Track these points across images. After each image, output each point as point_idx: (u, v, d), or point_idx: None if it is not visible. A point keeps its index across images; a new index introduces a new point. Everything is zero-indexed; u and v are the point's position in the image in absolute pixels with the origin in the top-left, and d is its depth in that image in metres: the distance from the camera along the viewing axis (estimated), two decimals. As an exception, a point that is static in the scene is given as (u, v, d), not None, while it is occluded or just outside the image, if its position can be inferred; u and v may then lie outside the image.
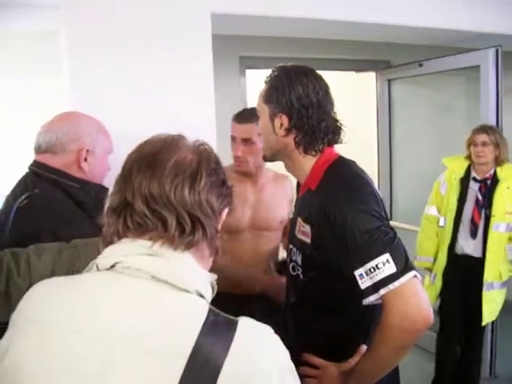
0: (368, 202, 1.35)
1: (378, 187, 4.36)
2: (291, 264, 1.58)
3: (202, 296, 0.90)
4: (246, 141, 2.25)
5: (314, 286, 1.50)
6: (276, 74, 1.52)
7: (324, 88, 1.50)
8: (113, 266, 0.90)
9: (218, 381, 0.78)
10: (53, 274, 1.18)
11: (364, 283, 1.27)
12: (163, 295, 0.86)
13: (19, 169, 1.70)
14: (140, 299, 0.86)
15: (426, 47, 3.82)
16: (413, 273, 1.26)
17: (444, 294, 3.35)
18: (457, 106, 4.31)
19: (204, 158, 0.97)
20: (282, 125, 1.48)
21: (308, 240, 1.46)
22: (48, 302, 0.89)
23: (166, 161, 0.92)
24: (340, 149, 1.58)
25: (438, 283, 3.33)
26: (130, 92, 2.45)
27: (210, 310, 0.86)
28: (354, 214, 1.31)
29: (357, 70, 4.36)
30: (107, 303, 0.86)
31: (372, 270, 1.25)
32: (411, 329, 1.23)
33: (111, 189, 0.98)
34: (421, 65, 3.82)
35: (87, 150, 1.65)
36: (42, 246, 1.28)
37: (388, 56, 4.23)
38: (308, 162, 1.51)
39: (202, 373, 0.79)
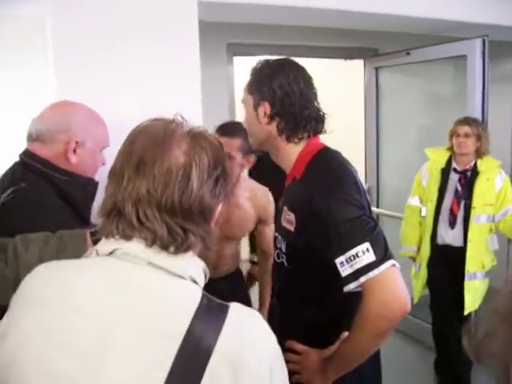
0: (350, 192, 1.38)
1: (365, 175, 4.38)
2: (276, 251, 1.63)
3: (195, 282, 0.93)
4: None
5: (297, 274, 1.54)
6: (259, 66, 1.57)
7: (306, 78, 1.55)
8: (111, 253, 0.91)
9: (209, 362, 0.82)
10: (40, 263, 1.18)
11: (344, 271, 1.31)
12: (160, 280, 0.89)
13: (6, 157, 1.68)
14: (137, 282, 0.89)
15: (414, 36, 3.82)
16: (391, 261, 1.29)
17: (431, 285, 3.41)
18: (444, 95, 4.31)
19: (196, 158, 0.93)
20: (265, 113, 1.52)
21: (292, 228, 1.50)
22: (48, 283, 0.91)
23: (155, 164, 0.90)
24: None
25: (423, 273, 3.37)
26: (117, 80, 2.43)
27: (203, 295, 0.89)
28: (335, 204, 1.35)
29: (345, 58, 4.35)
30: (106, 284, 0.88)
31: (352, 258, 1.29)
32: (389, 316, 1.27)
33: (105, 188, 0.97)
34: (408, 53, 3.81)
35: (77, 142, 1.60)
36: (29, 237, 1.27)
37: (376, 44, 4.21)
38: (292, 150, 1.54)
39: (194, 354, 0.82)
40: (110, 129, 2.30)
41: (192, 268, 0.94)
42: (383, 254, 1.29)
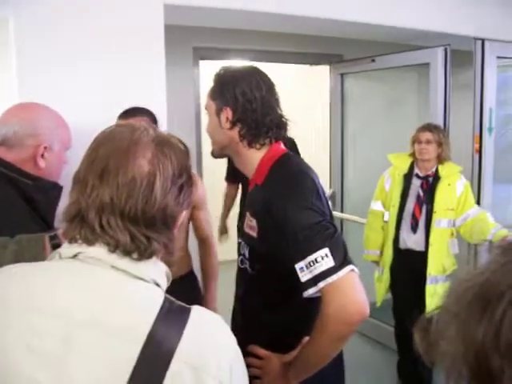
0: (309, 198, 1.39)
1: (330, 180, 4.42)
2: (240, 257, 1.63)
3: (158, 285, 0.93)
4: None
5: (260, 279, 1.54)
6: (222, 72, 1.58)
7: (268, 85, 1.56)
8: (75, 256, 0.91)
9: (171, 364, 0.82)
10: None
11: (304, 276, 1.32)
12: (122, 282, 0.90)
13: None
14: (100, 285, 0.89)
15: (379, 43, 3.88)
16: (350, 267, 1.30)
17: (393, 288, 3.45)
18: (408, 101, 4.40)
19: (160, 167, 0.92)
20: (227, 118, 1.53)
21: (254, 234, 1.51)
22: (11, 285, 0.91)
23: (119, 172, 0.90)
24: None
25: (386, 276, 3.42)
26: (80, 81, 2.41)
27: (165, 298, 0.90)
28: (295, 209, 1.36)
29: (311, 64, 4.39)
30: (68, 286, 0.89)
31: (312, 263, 1.30)
32: (348, 320, 1.28)
33: (68, 193, 0.96)
34: (373, 60, 3.88)
35: (45, 147, 1.60)
36: None
37: (341, 50, 4.26)
38: (254, 156, 1.55)
39: (156, 357, 0.83)
40: (73, 130, 2.28)
41: (154, 271, 0.94)
42: (342, 259, 1.30)
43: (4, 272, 0.95)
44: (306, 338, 1.40)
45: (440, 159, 3.21)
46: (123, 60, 2.50)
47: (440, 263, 3.17)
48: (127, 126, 0.99)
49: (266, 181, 1.50)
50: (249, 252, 1.56)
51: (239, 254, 1.63)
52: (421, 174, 3.27)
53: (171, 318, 0.87)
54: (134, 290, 0.90)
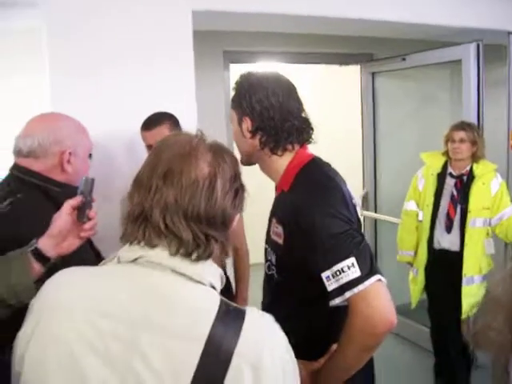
0: (336, 206, 1.38)
1: (363, 180, 4.39)
2: (267, 263, 1.63)
3: (214, 287, 0.98)
4: None
5: (287, 286, 1.54)
6: (240, 80, 1.58)
7: (286, 90, 1.54)
8: (135, 260, 0.96)
9: (231, 363, 0.87)
10: None
11: (330, 285, 1.31)
12: (182, 286, 0.94)
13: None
14: (161, 288, 0.93)
15: (409, 41, 3.84)
16: (377, 277, 1.29)
17: (428, 289, 3.41)
18: (441, 99, 4.33)
19: (220, 170, 0.98)
20: (247, 128, 1.53)
21: (280, 241, 1.50)
22: (71, 288, 0.95)
23: (182, 174, 0.95)
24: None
25: (421, 278, 3.38)
26: (112, 88, 2.47)
27: (221, 300, 0.95)
28: (322, 218, 1.35)
29: (340, 64, 4.36)
30: (130, 290, 0.93)
31: (338, 272, 1.29)
32: (374, 331, 1.27)
33: (128, 196, 1.00)
34: (404, 59, 3.84)
35: (70, 152, 1.64)
36: None
37: (371, 49, 4.23)
38: (278, 162, 1.55)
39: (216, 357, 0.87)
40: (104, 133, 2.35)
41: (211, 275, 0.99)
42: (368, 269, 1.29)
43: (60, 276, 0.99)
44: (334, 346, 1.40)
45: (474, 158, 3.16)
46: (153, 66, 2.55)
47: (476, 263, 3.12)
48: (184, 135, 1.05)
49: (292, 187, 1.49)
50: (275, 259, 1.56)
51: (266, 259, 1.63)
52: (455, 173, 3.22)
53: (228, 320, 0.91)
54: (193, 293, 0.94)
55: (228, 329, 0.90)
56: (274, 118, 1.50)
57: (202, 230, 0.95)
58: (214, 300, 0.94)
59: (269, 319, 0.99)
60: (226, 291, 2.54)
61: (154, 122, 2.31)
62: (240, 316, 0.93)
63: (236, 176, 1.02)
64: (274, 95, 1.50)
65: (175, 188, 0.94)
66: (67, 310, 0.91)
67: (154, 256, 0.94)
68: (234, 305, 0.96)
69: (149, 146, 2.31)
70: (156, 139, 2.21)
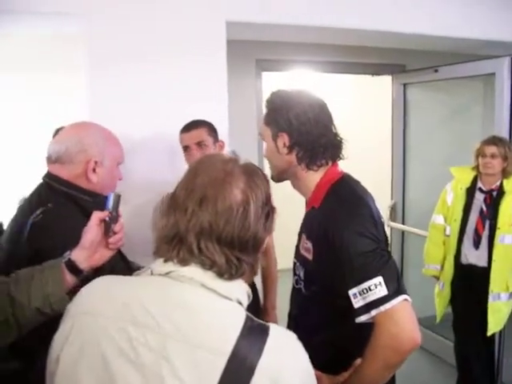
0: (365, 225, 1.40)
1: (391, 191, 4.37)
2: (295, 277, 1.66)
3: (240, 303, 1.01)
4: (200, 144, 2.34)
5: (314, 301, 1.56)
6: (273, 97, 1.59)
7: (320, 104, 1.56)
8: (167, 273, 0.99)
9: (252, 378, 0.90)
10: (29, 302, 1.26)
11: (357, 303, 1.34)
12: (210, 300, 0.98)
13: (33, 174, 1.76)
14: (190, 301, 0.96)
15: (442, 53, 3.82)
16: (404, 296, 1.32)
17: (454, 304, 3.38)
18: (472, 112, 4.29)
19: (253, 196, 1.01)
20: (284, 144, 1.54)
21: (310, 257, 1.53)
22: (105, 296, 1.00)
23: (217, 201, 0.98)
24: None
25: (447, 292, 3.35)
26: (148, 98, 2.55)
27: (247, 316, 0.98)
28: (350, 236, 1.37)
29: (372, 74, 4.36)
30: (161, 301, 0.96)
31: (365, 290, 1.32)
32: (399, 350, 1.30)
33: (162, 215, 1.04)
34: (436, 70, 3.81)
35: (95, 162, 1.65)
36: (19, 274, 1.31)
37: (404, 60, 4.22)
38: (312, 178, 1.56)
39: (239, 371, 0.90)
40: (138, 139, 2.43)
41: (239, 291, 1.02)
42: (396, 288, 1.32)
43: (97, 283, 1.04)
44: (359, 360, 1.41)
45: (505, 173, 3.12)
46: (187, 74, 2.62)
47: (503, 280, 3.07)
48: (219, 157, 1.08)
49: (322, 204, 1.51)
50: (304, 274, 1.58)
51: (294, 273, 1.66)
52: (484, 188, 3.19)
53: (253, 335, 0.94)
54: (220, 308, 0.97)
55: (252, 345, 0.92)
56: (311, 132, 1.51)
57: (235, 254, 0.98)
58: (240, 316, 0.97)
59: (291, 337, 1.01)
60: (254, 301, 2.58)
61: (192, 124, 2.38)
62: (264, 333, 0.96)
63: (267, 199, 1.05)
64: (311, 110, 1.52)
65: (210, 214, 0.97)
66: (101, 316, 0.95)
67: (186, 271, 0.98)
68: (259, 321, 0.99)
69: (185, 147, 2.38)
70: (193, 140, 2.33)
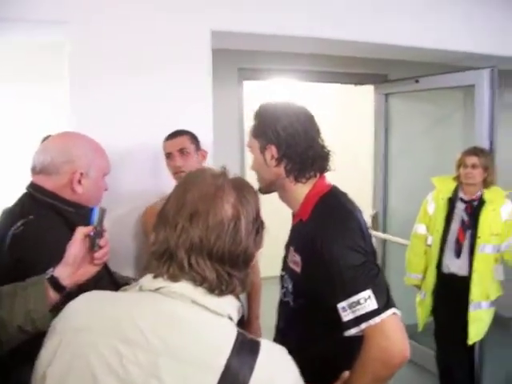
0: (354, 238, 1.40)
1: (373, 201, 4.40)
2: (283, 290, 1.65)
3: (231, 319, 1.01)
4: (182, 151, 2.35)
5: (301, 314, 1.56)
6: (261, 109, 1.59)
7: (308, 116, 1.56)
8: (157, 289, 0.99)
9: None
10: (11, 319, 1.23)
11: (346, 316, 1.34)
12: (201, 316, 0.97)
13: (18, 184, 1.71)
14: (181, 317, 0.96)
15: (424, 63, 3.86)
16: (393, 310, 1.33)
17: (435, 313, 3.41)
18: (454, 122, 4.34)
19: (244, 210, 1.01)
20: (272, 156, 1.53)
21: (298, 269, 1.52)
22: (93, 312, 0.99)
23: (208, 216, 0.97)
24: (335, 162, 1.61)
25: (428, 301, 3.38)
26: (133, 107, 2.53)
27: (238, 332, 0.98)
28: (340, 250, 1.37)
29: (355, 83, 4.39)
30: (151, 317, 0.95)
31: (354, 304, 1.32)
32: (389, 363, 1.30)
33: (154, 227, 1.03)
34: (417, 81, 3.85)
35: (81, 173, 1.62)
36: (1, 291, 1.28)
37: (386, 70, 4.25)
38: (300, 191, 1.56)
39: None
40: (123, 151, 2.41)
41: (230, 307, 1.02)
42: (385, 301, 1.32)
43: (82, 300, 1.02)
44: (346, 373, 1.41)
45: (486, 183, 3.17)
46: (170, 82, 2.60)
47: (484, 289, 3.11)
48: (209, 172, 1.07)
49: (311, 217, 1.51)
50: (292, 286, 1.57)
51: (282, 286, 1.65)
52: (465, 198, 3.22)
53: (244, 351, 0.94)
54: (212, 323, 0.97)
55: (243, 361, 0.92)
56: (299, 144, 1.51)
57: (226, 269, 0.98)
58: (231, 332, 0.97)
59: (282, 352, 1.02)
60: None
61: (176, 132, 2.40)
62: (255, 348, 0.96)
63: (257, 215, 1.05)
64: (299, 122, 1.51)
65: (201, 229, 0.97)
66: (90, 332, 0.94)
67: (177, 287, 0.97)
68: (250, 336, 0.99)
69: (167, 154, 2.39)
70: (176, 147, 2.34)
